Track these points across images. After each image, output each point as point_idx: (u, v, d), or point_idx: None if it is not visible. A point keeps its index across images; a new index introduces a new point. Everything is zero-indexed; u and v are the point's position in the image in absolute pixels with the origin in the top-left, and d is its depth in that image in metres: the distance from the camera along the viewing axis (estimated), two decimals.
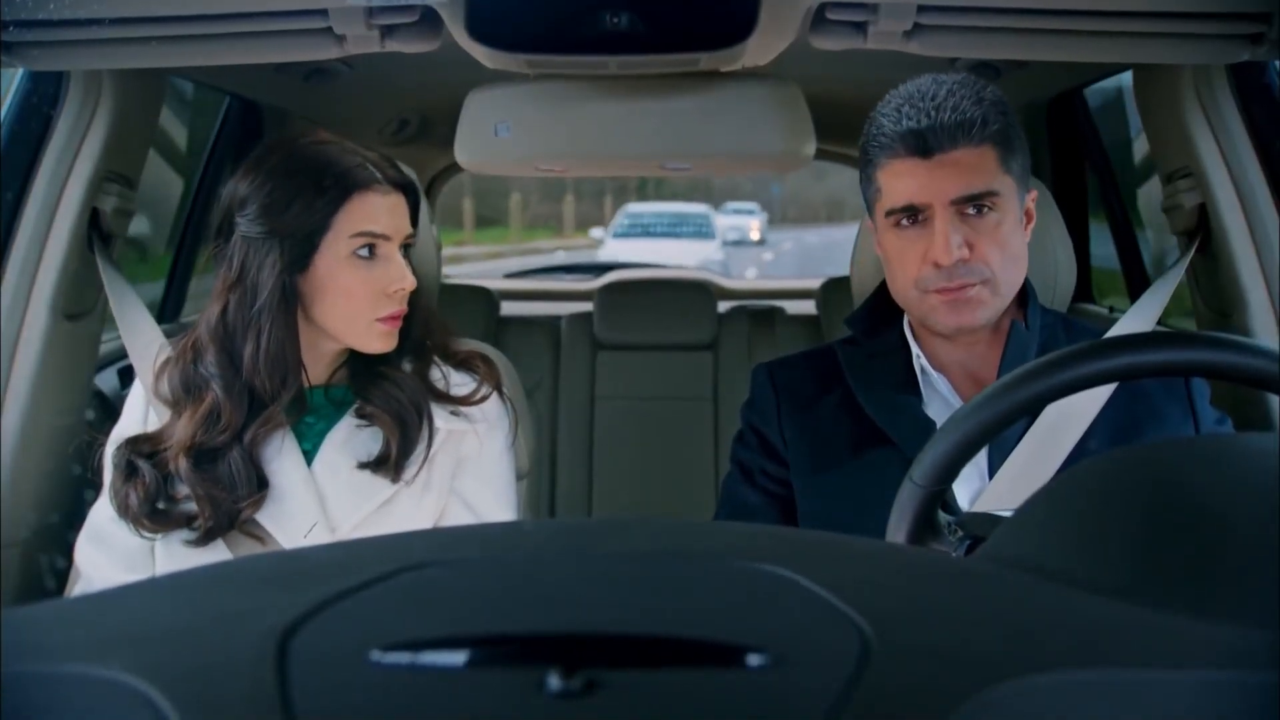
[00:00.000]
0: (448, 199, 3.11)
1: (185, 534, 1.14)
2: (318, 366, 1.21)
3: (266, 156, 1.17)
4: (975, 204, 1.10)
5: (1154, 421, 1.15)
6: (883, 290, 1.24)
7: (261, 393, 1.14)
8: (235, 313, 1.14)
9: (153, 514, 1.14)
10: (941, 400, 1.17)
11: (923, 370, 1.18)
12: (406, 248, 1.20)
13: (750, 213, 21.92)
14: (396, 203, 1.18)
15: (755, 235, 20.62)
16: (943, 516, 0.81)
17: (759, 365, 1.29)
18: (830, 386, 1.22)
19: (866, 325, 1.25)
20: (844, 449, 1.18)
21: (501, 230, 22.43)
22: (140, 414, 1.22)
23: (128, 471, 1.15)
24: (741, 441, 1.27)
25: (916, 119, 1.10)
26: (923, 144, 1.10)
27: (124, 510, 1.15)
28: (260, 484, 1.14)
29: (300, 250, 1.13)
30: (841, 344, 1.26)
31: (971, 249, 1.10)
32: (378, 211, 1.15)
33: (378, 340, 1.18)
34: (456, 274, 3.29)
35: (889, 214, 1.13)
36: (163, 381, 1.19)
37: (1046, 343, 1.18)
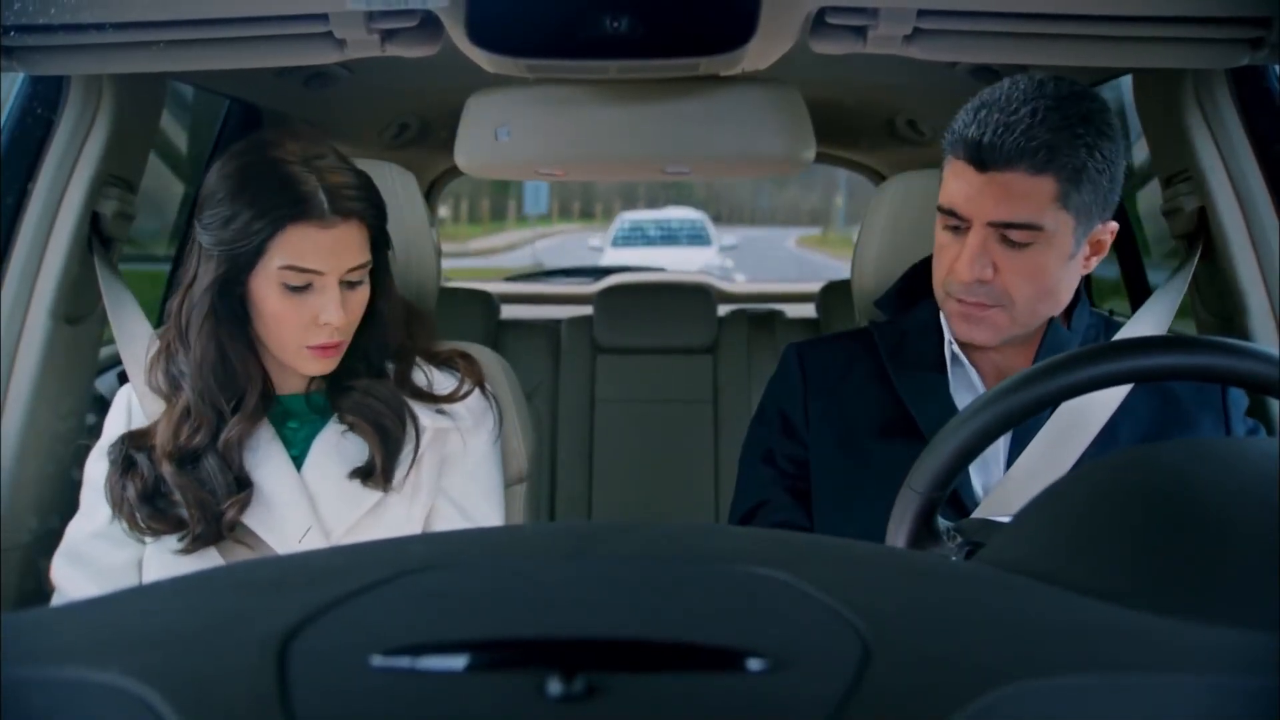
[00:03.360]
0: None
1: (174, 543, 1.14)
2: (293, 373, 1.20)
3: (233, 158, 1.15)
4: (1014, 231, 1.06)
5: (1185, 429, 1.13)
6: (914, 270, 1.25)
7: (215, 401, 1.14)
8: (185, 316, 1.15)
9: (152, 512, 1.13)
10: (969, 386, 1.17)
11: (953, 355, 1.18)
12: (355, 283, 1.15)
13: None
14: (341, 235, 1.12)
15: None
16: (941, 522, 0.81)
17: (789, 345, 1.29)
18: (860, 368, 1.23)
19: (897, 302, 1.25)
20: (868, 429, 1.18)
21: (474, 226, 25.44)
22: (122, 428, 1.21)
23: (125, 465, 1.15)
24: (761, 419, 1.27)
25: (982, 129, 1.05)
26: (978, 156, 1.05)
27: (120, 505, 1.14)
28: (240, 485, 1.14)
29: (236, 267, 1.12)
30: (877, 324, 1.26)
31: (997, 272, 1.08)
32: (311, 246, 1.11)
33: (310, 364, 1.17)
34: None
35: (939, 208, 1.12)
36: (155, 373, 1.19)
37: (1086, 344, 1.16)
